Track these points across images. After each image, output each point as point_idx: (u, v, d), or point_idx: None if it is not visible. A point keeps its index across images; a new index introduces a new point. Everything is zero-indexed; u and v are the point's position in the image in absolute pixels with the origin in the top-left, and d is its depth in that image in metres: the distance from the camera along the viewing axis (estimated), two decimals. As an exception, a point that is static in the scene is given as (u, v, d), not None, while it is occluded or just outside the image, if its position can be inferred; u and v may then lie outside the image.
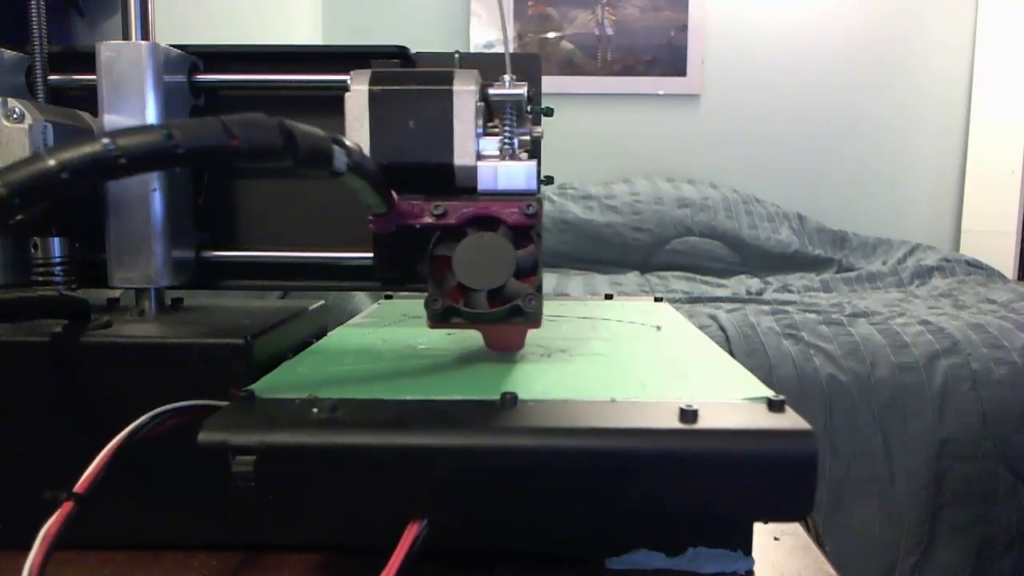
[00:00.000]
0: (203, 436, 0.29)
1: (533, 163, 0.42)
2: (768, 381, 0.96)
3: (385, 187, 0.38)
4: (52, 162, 0.26)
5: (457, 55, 0.51)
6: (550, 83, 2.27)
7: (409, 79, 0.42)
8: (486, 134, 0.43)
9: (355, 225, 0.51)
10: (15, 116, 0.41)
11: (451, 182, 0.42)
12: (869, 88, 2.30)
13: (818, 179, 2.32)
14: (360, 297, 1.17)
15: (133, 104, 0.46)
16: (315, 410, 0.31)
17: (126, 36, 0.48)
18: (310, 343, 0.50)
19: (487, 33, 2.26)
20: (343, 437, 0.30)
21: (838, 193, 2.32)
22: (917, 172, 2.33)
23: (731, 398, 0.34)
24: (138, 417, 0.34)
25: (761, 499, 0.30)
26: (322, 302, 0.57)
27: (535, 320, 0.40)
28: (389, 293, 0.64)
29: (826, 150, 2.32)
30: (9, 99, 0.42)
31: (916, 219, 2.33)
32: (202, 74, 0.50)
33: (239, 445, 0.29)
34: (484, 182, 0.42)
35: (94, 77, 0.46)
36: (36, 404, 0.39)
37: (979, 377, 1.11)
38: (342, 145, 0.32)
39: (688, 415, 0.30)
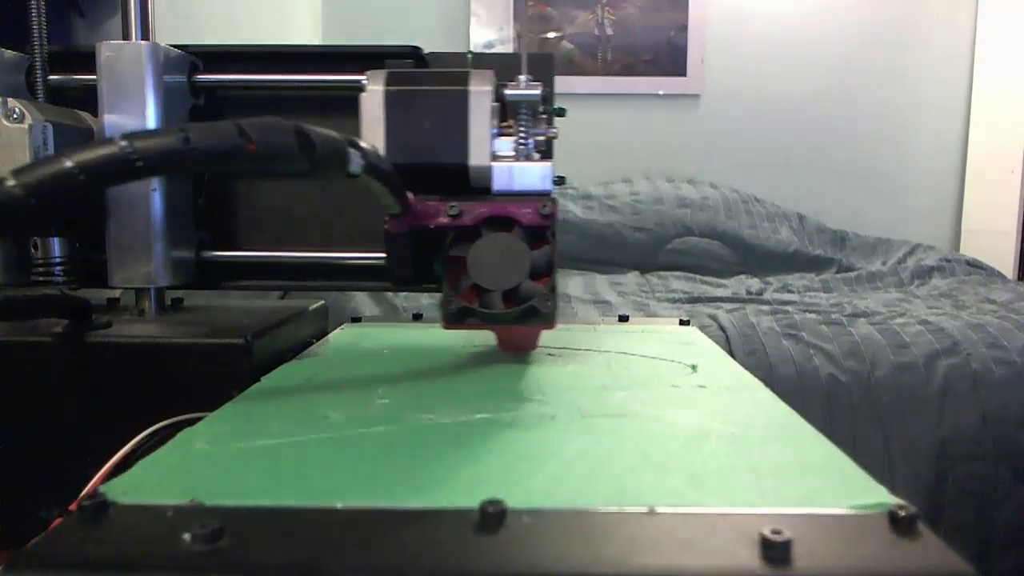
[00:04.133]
0: None
1: (548, 164, 0.42)
2: (768, 381, 0.96)
3: (401, 188, 0.37)
4: (69, 163, 0.26)
5: (470, 55, 0.51)
6: (550, 83, 2.27)
7: (425, 79, 0.42)
8: (500, 134, 0.43)
9: (355, 225, 0.51)
10: (15, 116, 0.41)
11: (466, 182, 0.42)
12: (869, 88, 2.30)
13: (818, 179, 2.32)
14: (360, 297, 1.17)
15: (133, 104, 0.46)
16: (187, 536, 0.21)
17: (126, 36, 0.48)
18: (310, 343, 0.49)
19: (487, 33, 2.26)
20: None
21: (838, 193, 2.31)
22: (917, 172, 2.33)
23: (828, 505, 0.23)
24: (137, 416, 0.34)
25: None
26: (322, 302, 0.57)
27: (549, 321, 0.39)
28: (358, 316, 0.60)
29: (826, 150, 2.32)
30: (9, 99, 0.42)
31: (916, 219, 2.33)
32: (202, 74, 0.50)
33: None
34: (499, 183, 0.42)
35: (94, 77, 0.46)
36: (37, 404, 0.39)
37: (979, 377, 1.11)
38: (357, 147, 0.32)
39: (775, 549, 0.20)
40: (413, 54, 0.50)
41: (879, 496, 0.24)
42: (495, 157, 0.42)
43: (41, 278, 0.46)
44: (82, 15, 0.72)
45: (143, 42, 0.47)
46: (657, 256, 2.00)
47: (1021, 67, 2.10)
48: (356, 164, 0.31)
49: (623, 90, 2.28)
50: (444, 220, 0.40)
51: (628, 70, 2.27)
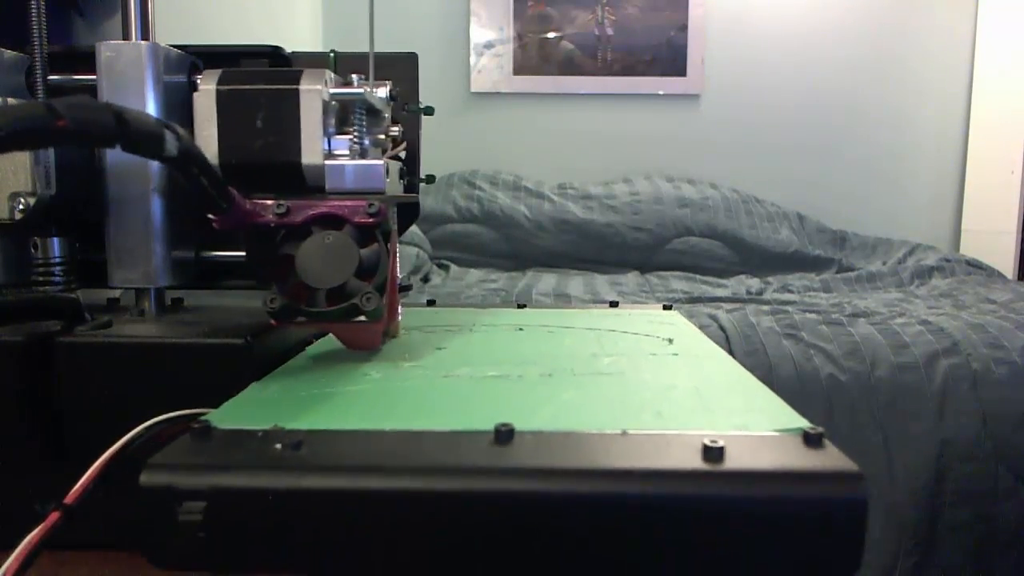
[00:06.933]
0: (146, 478, 0.26)
1: (380, 162, 0.42)
2: (768, 381, 0.96)
3: (221, 182, 0.37)
4: None
5: (332, 54, 0.51)
6: (550, 83, 2.27)
7: (258, 78, 0.42)
8: (339, 133, 0.43)
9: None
10: (15, 116, 0.41)
11: (302, 181, 0.42)
12: (869, 88, 2.30)
13: (818, 179, 2.32)
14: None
15: (133, 104, 0.46)
16: (278, 445, 0.28)
17: (126, 36, 0.48)
18: (310, 343, 0.49)
19: (487, 33, 2.26)
20: (306, 480, 0.26)
21: (838, 193, 2.32)
22: (917, 172, 2.33)
23: (760, 429, 0.30)
24: (137, 417, 0.34)
25: (800, 555, 0.26)
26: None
27: (375, 319, 0.39)
28: None
29: (826, 150, 2.32)
30: (9, 99, 0.42)
31: (916, 219, 2.33)
32: (202, 74, 0.50)
33: (187, 489, 0.26)
34: (332, 181, 0.42)
35: (94, 77, 0.46)
36: (37, 404, 0.39)
37: (979, 377, 1.11)
38: (173, 131, 0.32)
39: (713, 453, 0.27)
40: (272, 53, 0.50)
41: (800, 423, 0.30)
42: (331, 156, 0.42)
43: (41, 278, 0.46)
44: (82, 15, 0.72)
45: (143, 42, 0.47)
46: (657, 256, 2.00)
47: (1021, 67, 2.10)
48: (172, 146, 0.32)
49: (623, 90, 2.28)
50: (271, 218, 0.40)
51: (628, 70, 2.27)
